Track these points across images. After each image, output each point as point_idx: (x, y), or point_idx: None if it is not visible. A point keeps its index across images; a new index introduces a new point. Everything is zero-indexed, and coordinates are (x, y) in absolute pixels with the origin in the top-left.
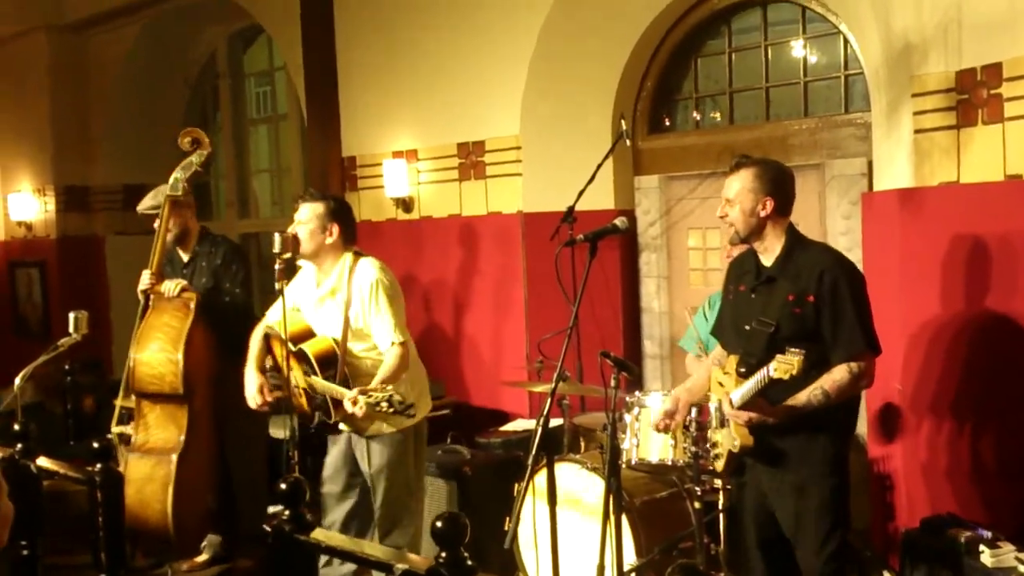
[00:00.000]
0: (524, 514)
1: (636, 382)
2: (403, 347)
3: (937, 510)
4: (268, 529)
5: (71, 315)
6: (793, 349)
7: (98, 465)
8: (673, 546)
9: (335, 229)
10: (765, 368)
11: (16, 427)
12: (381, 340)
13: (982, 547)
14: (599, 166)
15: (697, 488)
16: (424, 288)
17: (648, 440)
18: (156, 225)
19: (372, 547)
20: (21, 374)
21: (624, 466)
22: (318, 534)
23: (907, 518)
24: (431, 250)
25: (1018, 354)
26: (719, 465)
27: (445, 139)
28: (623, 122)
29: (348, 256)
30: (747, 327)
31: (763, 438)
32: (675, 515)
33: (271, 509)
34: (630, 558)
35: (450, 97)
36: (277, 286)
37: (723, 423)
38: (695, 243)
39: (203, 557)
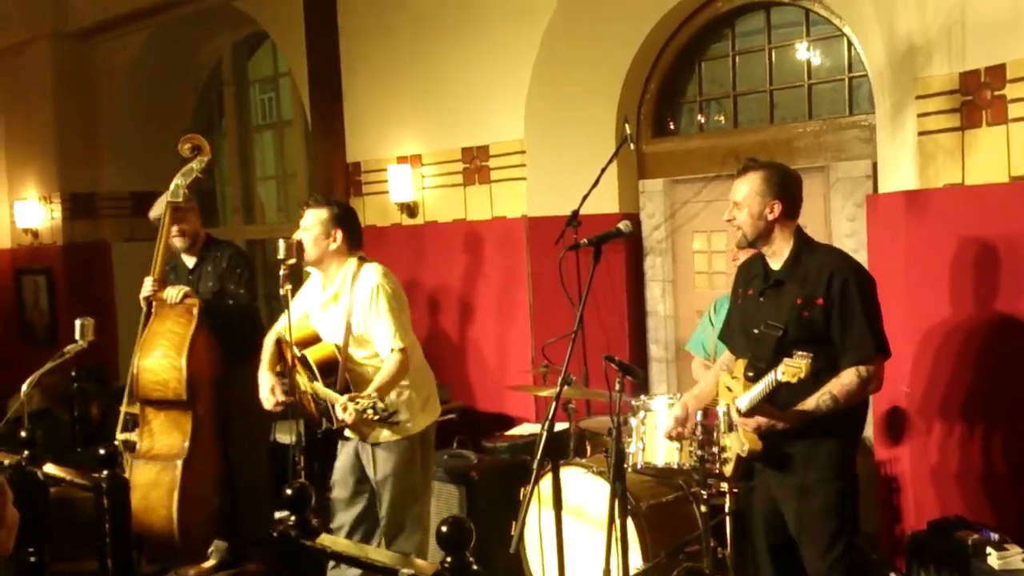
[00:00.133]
0: (530, 519)
1: (641, 386)
2: (403, 354)
3: (944, 512)
4: (274, 534)
5: (77, 322)
6: (801, 352)
7: (104, 472)
8: (679, 550)
9: (339, 235)
10: (773, 372)
11: (23, 434)
12: (381, 346)
13: (989, 549)
14: (603, 170)
15: (703, 492)
16: (429, 293)
17: (654, 444)
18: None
19: (377, 552)
20: (27, 381)
21: (630, 470)
22: (324, 539)
23: (914, 520)
24: (436, 255)
25: None
26: (728, 470)
27: (449, 144)
28: (627, 126)
29: (352, 262)
30: (755, 331)
31: (771, 442)
32: (681, 519)
33: (277, 514)
34: (636, 562)
35: (454, 102)
36: (281, 291)
37: (731, 427)
38: (700, 246)
39: (210, 563)
